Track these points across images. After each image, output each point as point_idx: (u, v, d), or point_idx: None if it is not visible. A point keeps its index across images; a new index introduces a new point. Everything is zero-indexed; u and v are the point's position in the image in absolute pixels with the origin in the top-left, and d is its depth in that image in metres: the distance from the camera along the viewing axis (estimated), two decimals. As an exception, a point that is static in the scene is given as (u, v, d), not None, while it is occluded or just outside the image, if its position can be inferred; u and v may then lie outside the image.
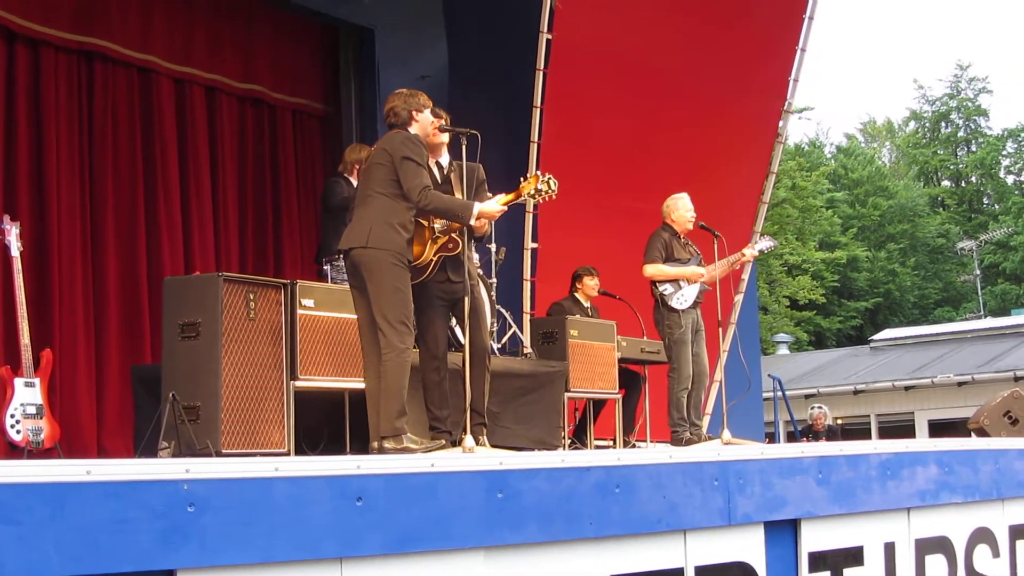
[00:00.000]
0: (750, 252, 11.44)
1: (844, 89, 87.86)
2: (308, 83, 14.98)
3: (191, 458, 6.74)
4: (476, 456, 6.72)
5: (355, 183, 10.62)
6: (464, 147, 8.33)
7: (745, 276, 15.53)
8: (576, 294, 12.18)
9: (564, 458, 6.28)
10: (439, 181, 8.22)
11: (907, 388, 28.91)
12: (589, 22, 13.67)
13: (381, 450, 7.46)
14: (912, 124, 62.84)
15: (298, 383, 8.25)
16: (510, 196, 8.16)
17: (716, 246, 10.84)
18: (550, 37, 13.35)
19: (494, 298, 10.68)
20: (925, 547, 8.40)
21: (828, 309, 48.45)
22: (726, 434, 10.46)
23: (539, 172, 8.34)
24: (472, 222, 7.82)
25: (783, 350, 39.06)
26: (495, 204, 7.98)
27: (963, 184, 59.91)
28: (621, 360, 11.52)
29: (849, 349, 37.95)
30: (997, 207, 56.82)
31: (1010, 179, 58.04)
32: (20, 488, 4.21)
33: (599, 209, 13.80)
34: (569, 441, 11.12)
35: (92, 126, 12.41)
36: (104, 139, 12.46)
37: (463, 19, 15.28)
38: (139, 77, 12.93)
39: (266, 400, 8.04)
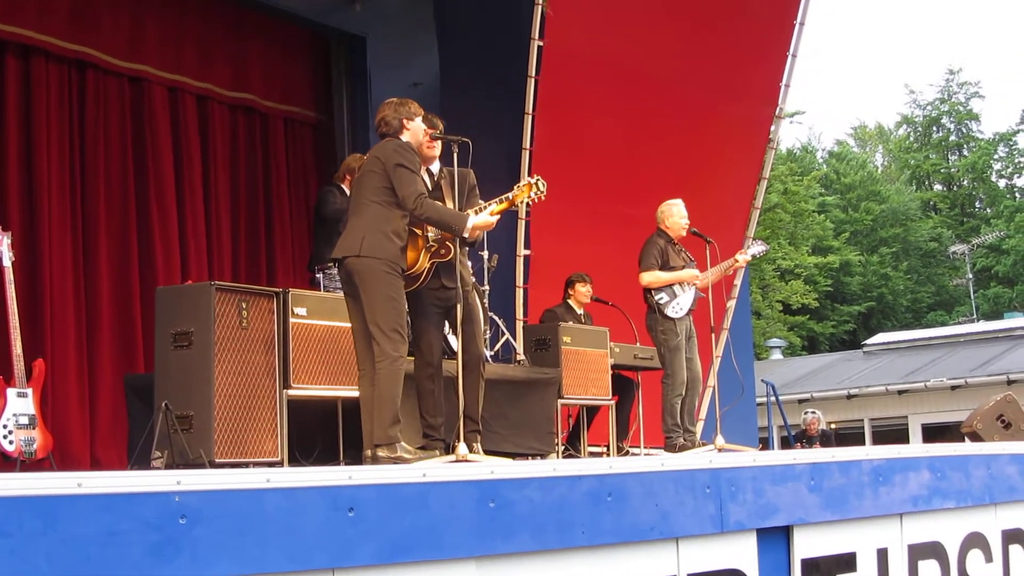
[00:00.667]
0: (743, 258, 11.44)
1: (836, 94, 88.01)
2: (300, 91, 14.97)
3: (183, 469, 6.74)
4: (468, 466, 6.71)
5: (348, 192, 10.66)
6: (455, 155, 8.34)
7: (738, 282, 15.55)
8: (569, 301, 12.17)
9: (556, 467, 6.28)
10: (429, 188, 8.20)
11: (900, 392, 28.92)
12: (581, 29, 13.70)
13: (375, 458, 7.45)
14: (904, 128, 62.91)
15: (291, 392, 8.23)
16: (502, 205, 8.16)
17: (708, 252, 10.84)
18: (542, 44, 13.38)
19: (487, 305, 10.68)
20: (918, 553, 8.41)
21: (821, 314, 48.49)
22: (720, 440, 10.47)
23: (530, 178, 8.31)
24: (466, 235, 7.82)
25: (776, 355, 39.07)
26: (487, 215, 7.97)
27: (955, 188, 59.96)
28: (614, 366, 11.52)
29: (842, 354, 37.97)
30: (989, 211, 56.90)
31: (1002, 183, 58.14)
32: (11, 501, 4.21)
33: (591, 215, 13.81)
34: (563, 447, 11.12)
35: (83, 135, 12.40)
36: (96, 148, 12.45)
37: (454, 26, 15.29)
38: (130, 86, 12.93)
39: (259, 409, 8.02)
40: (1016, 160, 57.53)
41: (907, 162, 60.60)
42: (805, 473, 7.69)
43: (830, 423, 23.96)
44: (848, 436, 28.33)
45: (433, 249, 7.99)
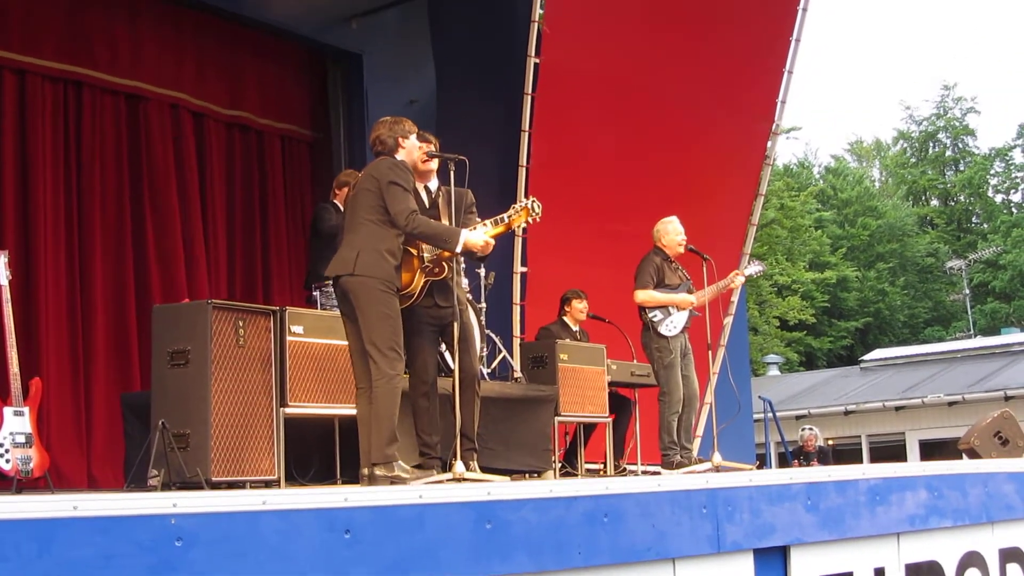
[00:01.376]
0: (739, 279, 11.45)
1: (832, 110, 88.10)
2: (296, 109, 15.00)
3: (179, 492, 6.72)
4: (464, 487, 6.70)
5: (343, 209, 10.65)
6: (452, 172, 8.34)
7: (735, 298, 15.55)
8: (565, 318, 12.16)
9: (552, 488, 6.28)
10: (427, 206, 8.19)
11: (898, 408, 28.89)
12: (577, 46, 13.71)
13: (372, 477, 7.45)
14: (900, 144, 62.96)
15: (288, 410, 8.22)
16: (499, 229, 8.14)
17: (705, 269, 10.84)
18: (538, 61, 13.39)
19: (483, 322, 10.68)
20: (915, 572, 8.42)
21: (818, 329, 48.43)
22: (717, 457, 10.45)
23: (527, 202, 8.29)
24: (458, 250, 7.81)
25: (773, 371, 39.03)
26: (482, 236, 7.93)
27: (952, 203, 59.97)
28: (611, 384, 11.51)
29: (839, 370, 37.94)
30: (986, 226, 56.90)
31: (998, 198, 58.16)
32: (7, 524, 4.21)
33: (588, 233, 13.81)
34: (560, 465, 11.11)
35: (80, 153, 12.42)
36: (91, 166, 12.47)
37: (450, 44, 15.31)
38: (126, 103, 12.94)
39: (256, 427, 8.01)
40: (1012, 175, 57.56)
41: (903, 177, 60.63)
42: (802, 493, 7.69)
43: (827, 439, 23.88)
44: (845, 452, 28.28)
45: (428, 268, 7.98)
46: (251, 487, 7.74)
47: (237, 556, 4.75)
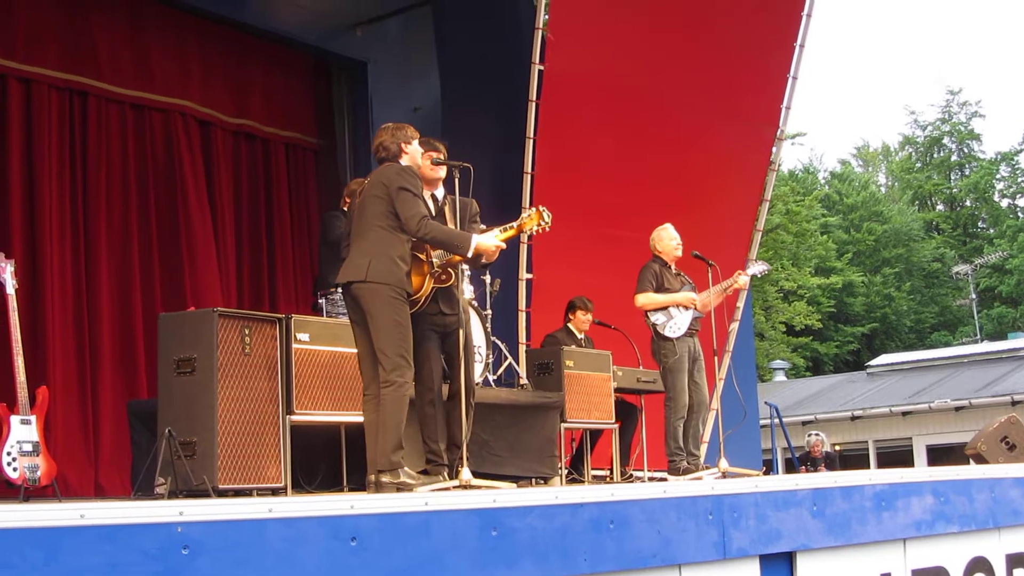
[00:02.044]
0: (743, 279, 11.44)
1: (837, 115, 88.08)
2: (301, 117, 15.01)
3: (185, 499, 6.73)
4: (470, 494, 6.71)
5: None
6: (457, 180, 8.36)
7: (740, 304, 15.53)
8: (569, 325, 12.16)
9: (558, 494, 6.28)
10: (433, 214, 8.19)
11: (904, 414, 28.88)
12: (581, 53, 13.72)
13: (378, 484, 7.46)
14: (906, 149, 62.94)
15: (294, 417, 8.21)
16: (509, 232, 8.15)
17: (711, 275, 10.85)
18: (542, 68, 13.40)
19: (489, 329, 10.69)
20: (922, 577, 8.42)
21: (825, 335, 48.43)
22: (723, 463, 10.45)
23: (539, 207, 8.32)
24: (470, 254, 7.82)
25: (780, 377, 39.04)
26: (493, 239, 7.95)
27: (957, 208, 59.96)
28: (617, 390, 11.50)
29: (846, 375, 37.92)
30: (992, 231, 56.87)
31: (1004, 202, 58.17)
32: (14, 533, 4.22)
33: (594, 239, 13.81)
34: (566, 472, 11.11)
35: (86, 162, 12.43)
36: (97, 175, 12.48)
37: (455, 51, 15.33)
38: (132, 112, 12.95)
39: (262, 435, 8.00)
40: (1018, 179, 57.57)
41: (909, 182, 60.61)
42: (808, 499, 7.69)
43: (834, 445, 23.90)
44: (852, 458, 28.29)
45: (436, 274, 7.99)
46: (258, 495, 7.74)
47: (243, 564, 4.76)
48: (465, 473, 7.60)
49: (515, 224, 8.24)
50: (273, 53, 14.61)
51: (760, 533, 7.29)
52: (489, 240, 7.90)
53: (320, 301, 10.14)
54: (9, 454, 8.64)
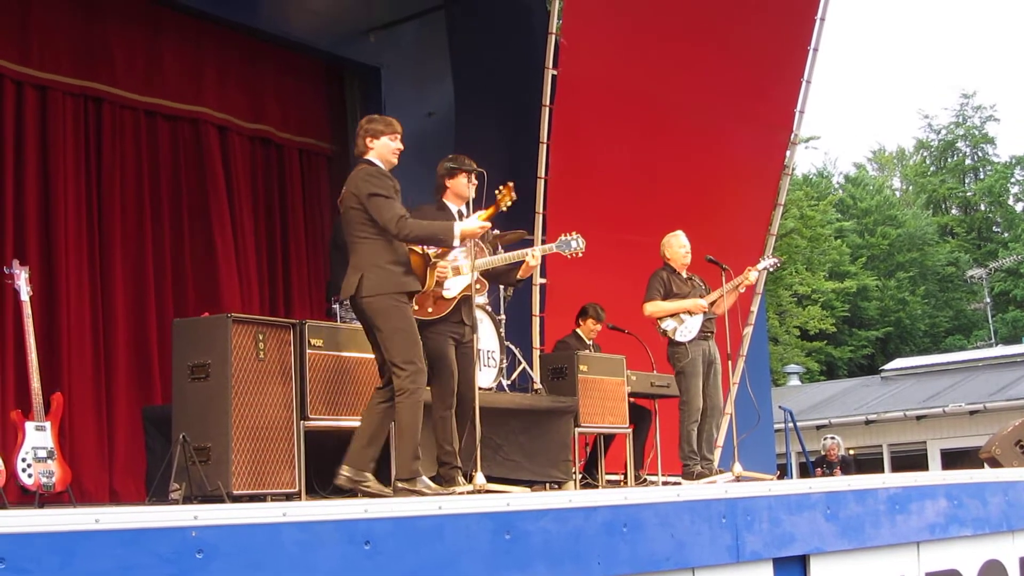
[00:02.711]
0: (754, 275, 11.40)
1: (851, 119, 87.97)
2: (315, 122, 15.02)
3: (200, 504, 6.75)
4: (483, 498, 6.72)
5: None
6: (472, 185, 8.42)
7: (754, 308, 15.53)
8: (578, 331, 12.17)
9: (571, 498, 6.29)
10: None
11: (919, 418, 28.82)
12: (595, 58, 13.72)
13: (395, 491, 7.49)
14: (920, 153, 62.84)
15: (308, 423, 8.24)
16: (488, 211, 8.09)
17: (724, 279, 10.87)
18: (555, 73, 13.41)
19: (503, 334, 10.70)
20: (936, 581, 8.41)
21: (839, 339, 48.36)
22: (738, 467, 10.46)
23: (508, 183, 8.28)
24: (455, 244, 7.79)
25: (794, 381, 38.97)
26: (476, 221, 7.90)
27: (972, 212, 59.85)
28: (631, 394, 11.51)
29: (860, 379, 37.85)
30: (1007, 234, 56.77)
31: (1019, 206, 58.07)
32: (29, 537, 4.23)
33: (607, 244, 13.77)
34: (580, 476, 11.12)
35: (100, 168, 12.46)
36: (112, 181, 12.51)
37: (469, 56, 15.35)
38: (146, 119, 12.98)
39: (276, 440, 8.02)
40: (1033, 183, 57.49)
41: (923, 186, 60.52)
42: (821, 502, 7.69)
43: (848, 449, 23.84)
44: (866, 462, 28.23)
45: (435, 264, 7.93)
46: (272, 500, 7.77)
47: (257, 568, 4.77)
48: (479, 477, 7.63)
49: (490, 209, 8.19)
50: (287, 59, 14.63)
51: (774, 536, 7.28)
52: (472, 223, 7.85)
53: (334, 307, 10.16)
54: (24, 460, 8.66)
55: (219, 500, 7.42)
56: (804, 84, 15.85)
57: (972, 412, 27.73)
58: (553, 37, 13.47)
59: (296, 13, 14.39)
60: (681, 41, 14.49)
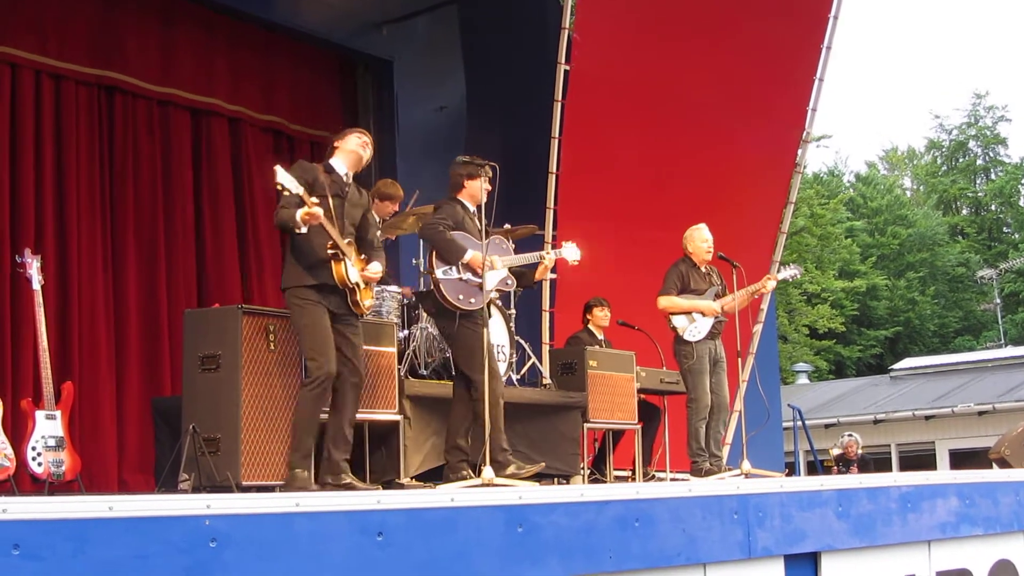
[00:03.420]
0: (772, 283, 11.41)
1: (862, 117, 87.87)
2: (327, 115, 14.98)
3: (212, 493, 6.75)
4: (495, 491, 6.72)
5: (377, 217, 10.69)
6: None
7: (764, 306, 15.50)
8: (589, 326, 12.16)
9: (583, 492, 6.29)
10: (478, 227, 8.24)
11: (928, 418, 28.74)
12: (607, 53, 13.70)
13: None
14: (932, 153, 62.76)
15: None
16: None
17: (735, 276, 10.84)
18: (568, 68, 13.39)
19: (513, 329, 10.69)
20: (946, 579, 8.40)
21: (848, 338, 48.29)
22: (746, 465, 10.45)
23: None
24: (303, 229, 7.49)
25: (803, 379, 38.91)
26: (300, 211, 7.45)
27: (982, 213, 59.75)
28: (640, 391, 11.50)
29: (869, 379, 37.77)
30: (1017, 235, 56.65)
31: (1030, 207, 57.95)
32: (43, 524, 4.24)
33: (617, 239, 13.78)
34: (588, 472, 11.11)
35: (112, 158, 12.46)
36: (124, 171, 12.51)
37: (481, 50, 15.34)
38: (159, 109, 12.98)
39: (286, 432, 7.99)
40: (1044, 184, 57.38)
41: (934, 186, 60.43)
42: (833, 499, 7.68)
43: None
44: (875, 462, 28.15)
45: (334, 255, 7.66)
46: (281, 491, 7.76)
47: (270, 558, 4.78)
48: (487, 472, 7.62)
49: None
50: (300, 51, 14.62)
51: (785, 533, 7.28)
52: (287, 213, 7.51)
53: (345, 299, 10.13)
54: (34, 448, 8.69)
55: (228, 491, 7.42)
56: (817, 82, 15.82)
57: (981, 412, 27.65)
58: (566, 32, 13.45)
59: (310, 5, 14.39)
60: (694, 37, 14.47)
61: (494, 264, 8.56)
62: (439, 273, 8.38)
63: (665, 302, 10.81)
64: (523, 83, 14.73)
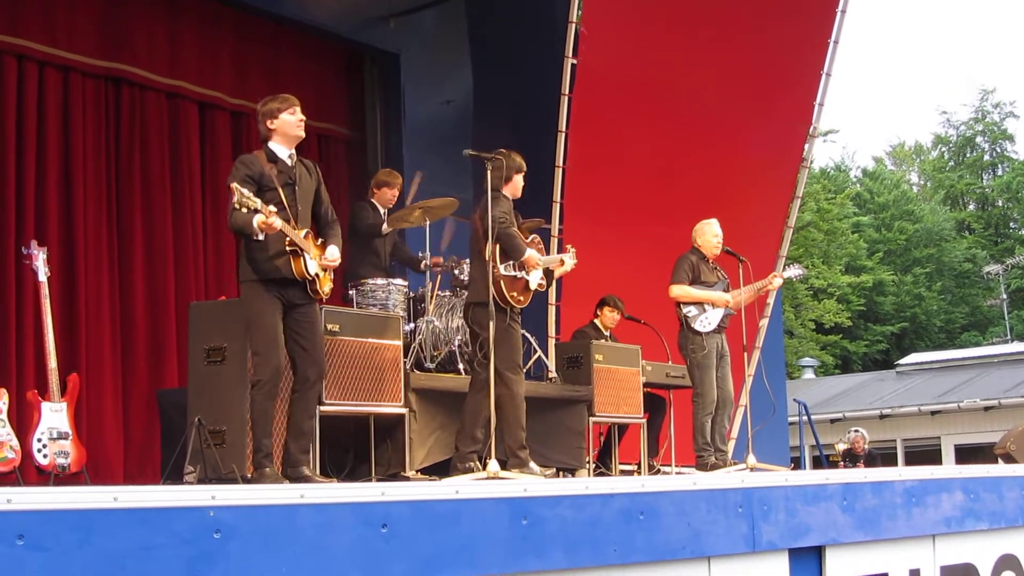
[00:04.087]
0: (777, 281, 11.43)
1: (870, 112, 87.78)
2: (333, 108, 14.97)
3: (217, 484, 6.76)
4: (500, 483, 6.73)
5: (380, 208, 10.70)
6: (488, 172, 8.41)
7: (771, 300, 15.50)
8: (596, 321, 12.17)
9: (588, 485, 6.30)
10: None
11: (933, 413, 28.76)
12: (614, 47, 13.71)
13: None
14: (939, 148, 62.67)
15: (324, 407, 8.23)
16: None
17: (741, 271, 10.84)
18: (575, 62, 13.39)
19: (519, 322, 10.71)
20: (951, 574, 8.39)
21: (854, 333, 48.23)
22: (751, 459, 10.44)
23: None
24: (259, 237, 7.39)
25: (809, 374, 38.91)
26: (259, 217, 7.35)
27: (989, 208, 59.66)
28: (646, 384, 11.51)
29: (875, 373, 37.77)
30: (1024, 231, 56.65)
31: (1037, 203, 57.85)
32: (48, 515, 4.24)
33: (624, 234, 13.80)
34: (594, 465, 11.12)
35: (119, 149, 12.45)
36: (131, 163, 12.50)
37: (488, 44, 15.34)
38: (167, 101, 12.97)
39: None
40: (1052, 180, 57.24)
41: (941, 182, 60.35)
42: (838, 493, 7.68)
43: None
44: (880, 457, 28.17)
45: (294, 251, 7.54)
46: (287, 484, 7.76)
47: (275, 549, 4.78)
48: (492, 464, 7.64)
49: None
50: (306, 44, 14.60)
51: (790, 527, 7.28)
52: (243, 218, 7.38)
53: (350, 292, 10.16)
54: (40, 440, 8.70)
55: (233, 483, 7.43)
56: (824, 77, 15.83)
57: (987, 408, 27.67)
58: (573, 26, 13.45)
59: (316, -2, 14.40)
60: (701, 31, 14.48)
61: (537, 263, 8.77)
62: (502, 269, 8.50)
63: (678, 291, 10.79)
64: (530, 77, 14.73)
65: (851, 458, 19.93)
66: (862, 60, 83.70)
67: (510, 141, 11.86)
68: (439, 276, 10.44)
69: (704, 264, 10.91)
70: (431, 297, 10.08)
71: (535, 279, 8.80)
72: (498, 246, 8.48)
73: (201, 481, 7.65)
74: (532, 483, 6.13)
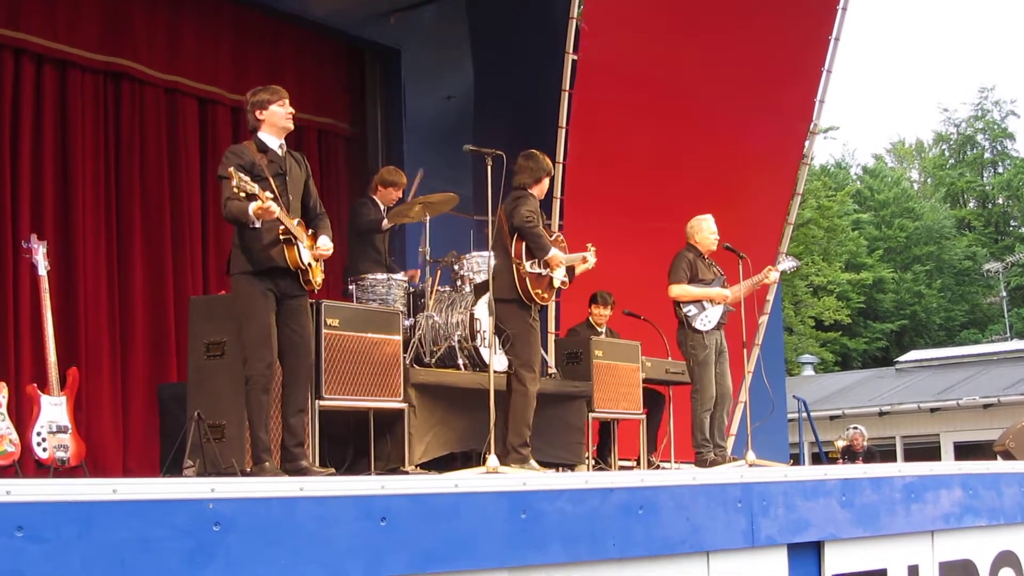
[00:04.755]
0: (774, 274, 11.42)
1: (870, 109, 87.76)
2: (333, 104, 14.98)
3: (217, 477, 6.76)
4: (499, 477, 6.73)
5: (381, 204, 10.70)
6: (489, 168, 8.41)
7: (770, 297, 15.51)
8: (590, 319, 12.20)
9: (588, 479, 6.30)
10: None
11: (932, 410, 28.76)
12: (615, 43, 13.70)
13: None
14: (939, 146, 62.66)
15: (323, 402, 8.23)
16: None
17: (741, 267, 10.85)
18: (576, 58, 13.38)
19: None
20: (949, 570, 8.39)
21: (854, 330, 48.22)
22: (751, 455, 10.44)
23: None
24: (250, 223, 7.37)
25: (808, 371, 38.89)
26: (254, 204, 7.30)
27: (990, 206, 59.65)
28: (646, 380, 11.50)
29: (874, 371, 37.78)
30: (1024, 229, 56.64)
31: (1037, 201, 57.83)
32: (47, 507, 4.25)
33: (624, 230, 13.79)
34: (593, 461, 11.12)
35: (119, 145, 12.46)
36: (131, 158, 12.51)
37: (488, 40, 15.32)
38: (165, 97, 12.98)
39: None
40: (1052, 178, 57.22)
41: (942, 179, 60.34)
42: (837, 489, 7.69)
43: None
44: (879, 454, 28.18)
45: (288, 240, 7.48)
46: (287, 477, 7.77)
47: (274, 542, 4.78)
48: (492, 460, 7.65)
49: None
50: (306, 39, 14.61)
51: (789, 522, 7.28)
52: (238, 206, 7.38)
53: (350, 287, 10.16)
54: (39, 434, 8.72)
55: (233, 477, 7.43)
56: (825, 74, 15.83)
57: (986, 405, 27.67)
58: (574, 22, 13.44)
59: (317, -7, 14.40)
60: (702, 28, 14.47)
61: (561, 262, 9.01)
62: (528, 267, 8.71)
63: (678, 290, 10.80)
64: (531, 73, 14.71)
65: (850, 455, 19.94)
66: (863, 57, 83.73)
67: (510, 137, 11.90)
68: (439, 271, 10.42)
69: (701, 261, 10.93)
70: (431, 292, 10.07)
71: (559, 277, 9.00)
72: (524, 243, 8.78)
73: (200, 475, 7.65)
74: (531, 477, 6.14)
